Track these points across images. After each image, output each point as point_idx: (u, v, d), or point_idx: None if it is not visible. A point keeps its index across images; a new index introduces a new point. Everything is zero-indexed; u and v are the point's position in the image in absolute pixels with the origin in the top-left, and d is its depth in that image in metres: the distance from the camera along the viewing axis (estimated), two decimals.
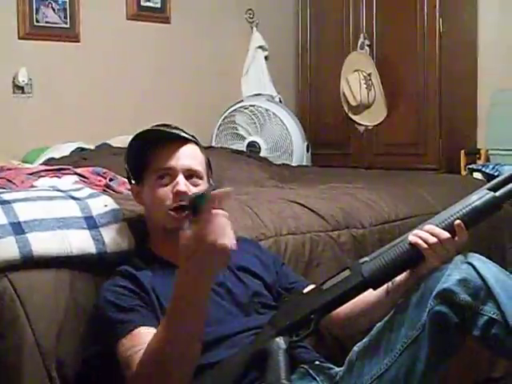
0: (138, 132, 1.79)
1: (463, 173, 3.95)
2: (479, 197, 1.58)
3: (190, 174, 1.76)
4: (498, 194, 1.58)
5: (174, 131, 1.79)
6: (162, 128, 1.79)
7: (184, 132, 1.82)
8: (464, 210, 1.58)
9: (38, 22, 3.83)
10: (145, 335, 1.54)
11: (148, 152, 1.79)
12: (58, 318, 1.67)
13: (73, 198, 1.84)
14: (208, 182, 1.84)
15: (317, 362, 1.73)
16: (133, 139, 1.80)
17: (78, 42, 3.99)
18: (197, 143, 1.83)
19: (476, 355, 2.49)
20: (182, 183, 1.73)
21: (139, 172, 1.82)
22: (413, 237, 1.59)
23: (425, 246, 1.57)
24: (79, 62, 4.00)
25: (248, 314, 1.76)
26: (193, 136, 1.83)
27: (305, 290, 1.76)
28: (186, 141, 1.80)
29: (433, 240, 1.57)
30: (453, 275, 1.51)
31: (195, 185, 1.76)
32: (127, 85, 4.19)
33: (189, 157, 1.77)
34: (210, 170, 1.88)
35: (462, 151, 4.07)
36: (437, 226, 1.59)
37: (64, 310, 1.69)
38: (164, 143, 1.78)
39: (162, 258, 1.78)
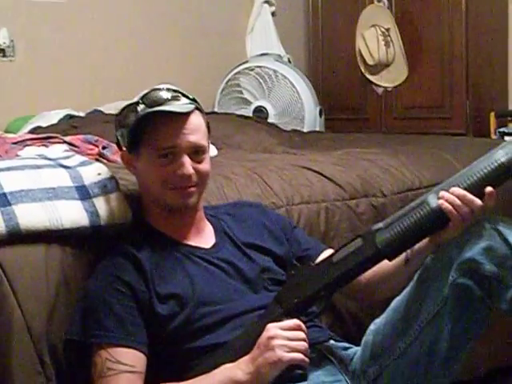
0: (141, 114, 1.75)
1: (493, 137, 3.93)
2: (506, 152, 1.53)
3: (195, 151, 1.75)
4: None
5: (176, 105, 1.75)
6: (161, 108, 1.73)
7: (184, 96, 1.79)
8: (489, 168, 1.52)
9: None
10: (120, 355, 1.60)
11: (147, 127, 1.75)
12: (48, 298, 1.68)
13: (62, 166, 1.84)
14: (208, 145, 1.82)
15: (331, 342, 1.74)
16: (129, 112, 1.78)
17: None
18: (198, 108, 1.80)
19: (502, 339, 2.49)
20: (187, 166, 1.72)
21: (135, 143, 1.79)
22: (440, 200, 1.55)
23: (454, 211, 1.53)
24: (64, 22, 3.98)
25: (257, 292, 1.76)
26: (194, 99, 1.81)
27: (320, 257, 1.77)
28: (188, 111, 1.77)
29: (460, 203, 1.53)
30: (476, 243, 1.50)
31: (200, 161, 1.75)
32: (119, 45, 4.17)
33: (193, 131, 1.75)
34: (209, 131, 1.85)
35: (492, 114, 4.04)
36: (460, 184, 1.54)
37: (55, 289, 1.69)
38: (165, 117, 1.73)
39: (162, 232, 1.79)
